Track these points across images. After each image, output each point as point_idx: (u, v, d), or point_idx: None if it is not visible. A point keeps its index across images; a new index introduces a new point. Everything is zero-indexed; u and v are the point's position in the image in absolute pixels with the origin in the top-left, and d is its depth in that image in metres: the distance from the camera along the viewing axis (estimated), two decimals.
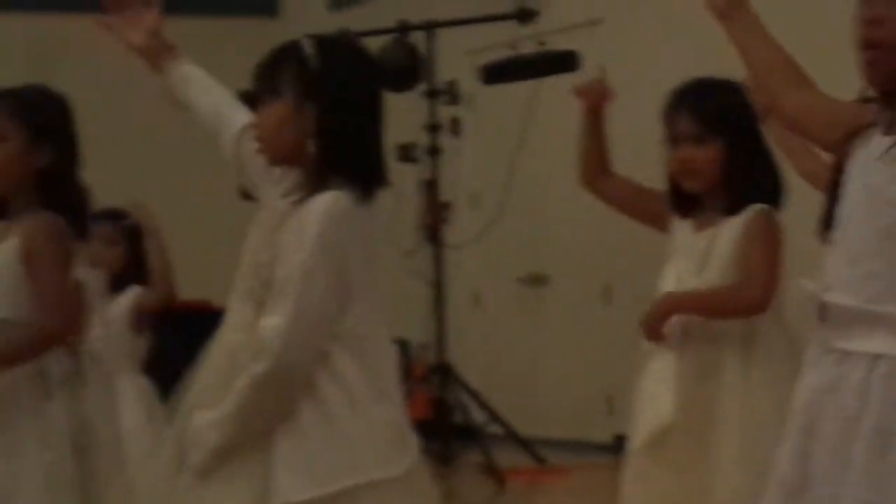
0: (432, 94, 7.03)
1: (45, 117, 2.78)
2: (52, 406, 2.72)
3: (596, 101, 3.06)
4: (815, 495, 1.87)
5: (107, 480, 2.72)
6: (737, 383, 2.81)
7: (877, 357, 1.84)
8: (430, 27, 7.06)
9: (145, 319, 4.15)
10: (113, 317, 4.03)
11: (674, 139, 2.82)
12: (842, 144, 1.96)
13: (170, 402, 2.56)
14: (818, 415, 1.92)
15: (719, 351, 2.85)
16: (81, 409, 2.78)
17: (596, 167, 3.12)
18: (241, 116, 2.51)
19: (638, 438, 2.91)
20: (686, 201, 2.87)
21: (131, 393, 4.03)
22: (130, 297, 4.12)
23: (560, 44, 6.86)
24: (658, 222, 3.06)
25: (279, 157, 2.31)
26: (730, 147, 2.75)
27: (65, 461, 2.70)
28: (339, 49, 2.43)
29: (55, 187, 2.76)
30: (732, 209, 2.79)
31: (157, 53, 2.61)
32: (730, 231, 2.78)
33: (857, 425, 1.86)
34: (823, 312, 1.92)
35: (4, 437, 2.70)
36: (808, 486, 1.91)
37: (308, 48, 2.31)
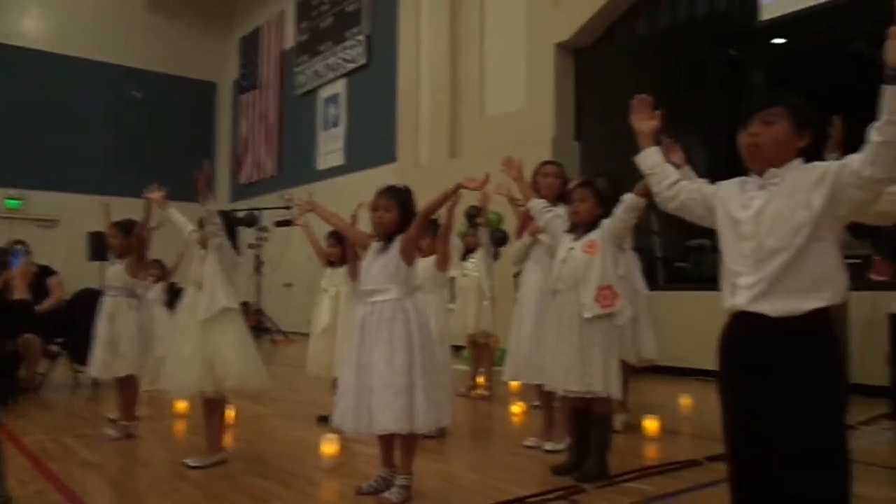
0: (261, 230, 13.02)
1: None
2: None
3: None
4: (364, 359, 3.35)
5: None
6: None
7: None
8: (260, 209, 13.30)
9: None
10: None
11: None
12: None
13: None
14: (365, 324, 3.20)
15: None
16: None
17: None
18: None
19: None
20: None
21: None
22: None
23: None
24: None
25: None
26: None
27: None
28: (230, 219, 4.07)
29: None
30: None
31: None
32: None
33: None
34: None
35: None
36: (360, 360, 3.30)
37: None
